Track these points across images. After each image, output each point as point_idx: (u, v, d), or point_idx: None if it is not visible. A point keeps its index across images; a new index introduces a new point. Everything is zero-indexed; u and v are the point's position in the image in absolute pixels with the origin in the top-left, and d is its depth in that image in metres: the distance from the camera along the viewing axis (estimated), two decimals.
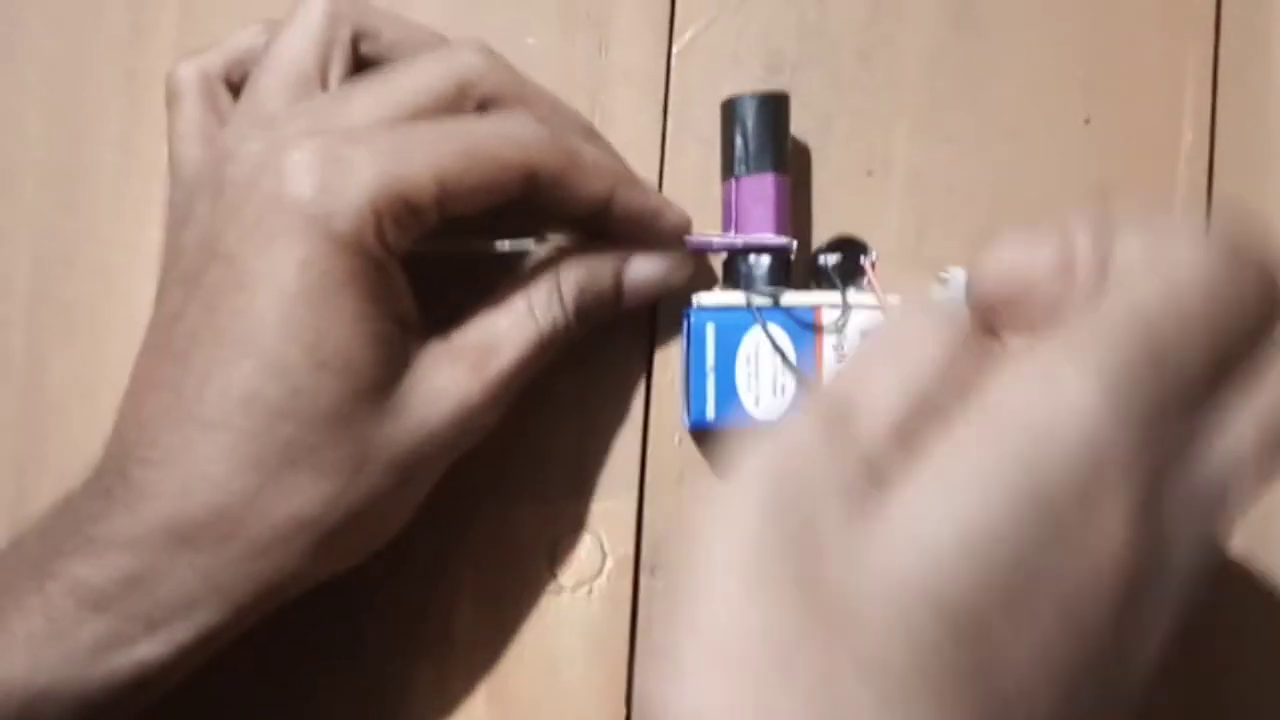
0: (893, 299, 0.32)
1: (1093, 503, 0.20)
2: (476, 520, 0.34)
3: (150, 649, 0.26)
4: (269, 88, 0.29)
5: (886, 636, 0.19)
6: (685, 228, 0.32)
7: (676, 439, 0.34)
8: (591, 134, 0.33)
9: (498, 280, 0.31)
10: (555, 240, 0.32)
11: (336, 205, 0.26)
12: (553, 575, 0.34)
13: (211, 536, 0.26)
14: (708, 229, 0.33)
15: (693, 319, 0.32)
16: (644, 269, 0.32)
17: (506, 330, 0.29)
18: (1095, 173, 0.35)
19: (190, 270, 0.28)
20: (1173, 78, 0.35)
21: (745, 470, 0.21)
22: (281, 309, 0.26)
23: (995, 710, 0.19)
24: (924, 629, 0.19)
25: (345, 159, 0.26)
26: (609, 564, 0.34)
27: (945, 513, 0.19)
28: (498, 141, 0.28)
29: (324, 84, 0.30)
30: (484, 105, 0.29)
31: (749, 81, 0.35)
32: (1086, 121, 0.35)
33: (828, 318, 0.32)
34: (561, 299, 0.30)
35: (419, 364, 0.28)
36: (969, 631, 0.19)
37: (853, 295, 0.32)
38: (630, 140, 0.34)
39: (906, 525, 0.19)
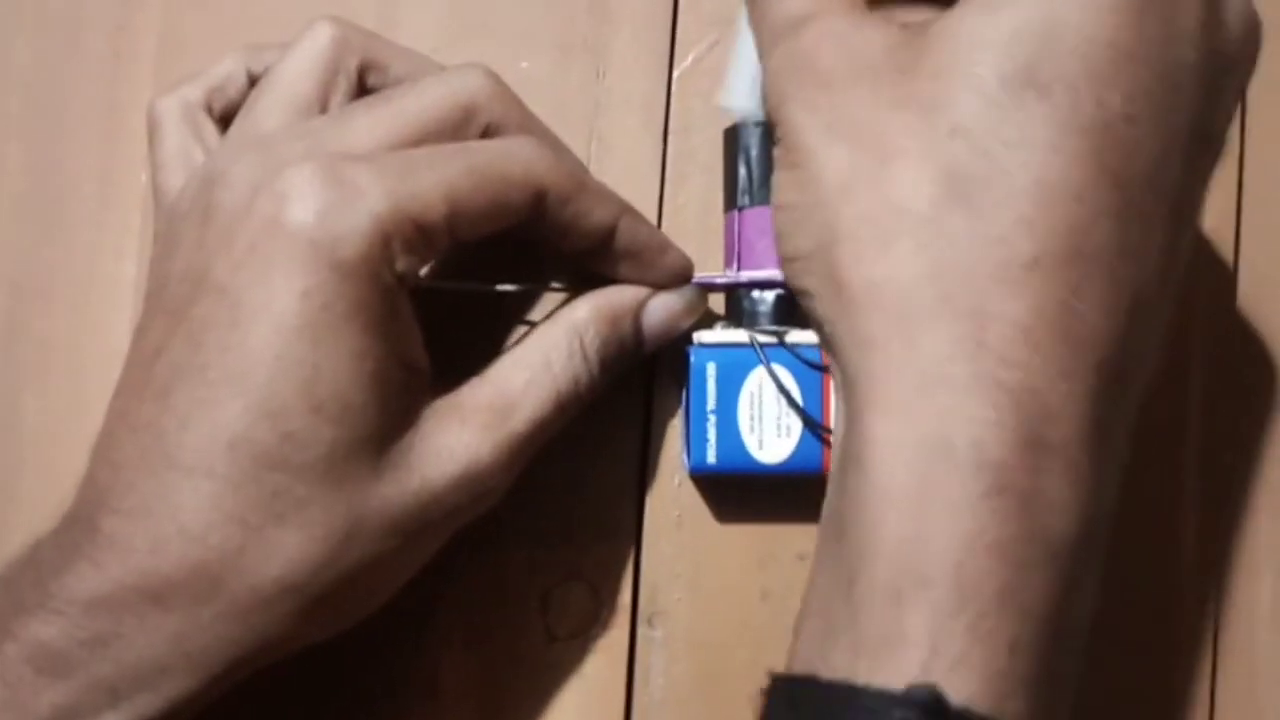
0: None
1: None
2: (466, 566, 0.32)
3: None
4: (266, 109, 0.28)
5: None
6: (689, 264, 0.31)
7: (676, 481, 0.33)
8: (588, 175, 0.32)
9: (512, 330, 0.29)
10: (559, 284, 0.31)
11: (341, 229, 0.25)
12: (545, 624, 0.32)
13: (185, 597, 0.24)
14: (710, 261, 0.32)
15: (693, 358, 0.31)
16: (663, 310, 0.30)
17: (522, 388, 0.28)
18: None
19: (175, 302, 0.26)
20: None
21: None
22: (276, 344, 0.24)
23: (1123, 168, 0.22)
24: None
25: (349, 180, 0.25)
26: (604, 613, 0.32)
27: None
28: (506, 161, 0.27)
29: (324, 110, 0.28)
30: (488, 132, 0.28)
31: None
32: None
33: None
34: (584, 352, 0.29)
35: (425, 420, 0.27)
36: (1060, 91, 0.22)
37: None
38: (629, 169, 0.33)
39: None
